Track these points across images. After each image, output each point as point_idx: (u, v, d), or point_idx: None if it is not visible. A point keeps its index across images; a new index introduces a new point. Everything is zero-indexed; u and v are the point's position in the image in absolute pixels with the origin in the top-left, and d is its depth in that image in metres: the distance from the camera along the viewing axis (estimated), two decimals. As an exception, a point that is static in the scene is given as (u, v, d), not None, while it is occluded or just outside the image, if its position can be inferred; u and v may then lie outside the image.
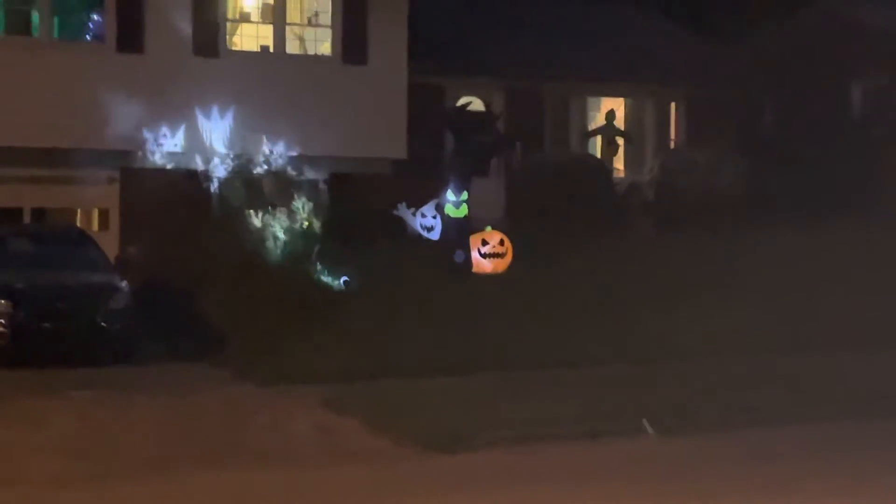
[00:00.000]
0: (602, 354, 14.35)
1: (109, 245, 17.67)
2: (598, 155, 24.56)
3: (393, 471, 9.61)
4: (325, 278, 16.84)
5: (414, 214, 19.26)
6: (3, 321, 14.37)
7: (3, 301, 14.47)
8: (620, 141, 24.86)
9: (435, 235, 19.16)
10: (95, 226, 19.32)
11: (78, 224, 19.33)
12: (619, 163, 25.08)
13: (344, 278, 16.78)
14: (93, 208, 19.43)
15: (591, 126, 25.25)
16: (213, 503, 8.40)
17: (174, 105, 18.79)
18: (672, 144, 25.30)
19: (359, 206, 18.52)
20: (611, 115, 24.74)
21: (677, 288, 16.54)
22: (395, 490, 8.97)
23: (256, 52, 20.05)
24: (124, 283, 15.45)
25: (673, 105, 25.43)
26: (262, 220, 17.56)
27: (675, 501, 8.60)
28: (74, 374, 13.57)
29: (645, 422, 10.89)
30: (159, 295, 15.99)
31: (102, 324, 14.75)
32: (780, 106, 25.01)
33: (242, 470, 9.43)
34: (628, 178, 24.20)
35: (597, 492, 8.88)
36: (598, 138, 25.07)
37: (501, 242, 17.89)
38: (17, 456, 9.81)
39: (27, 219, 18.60)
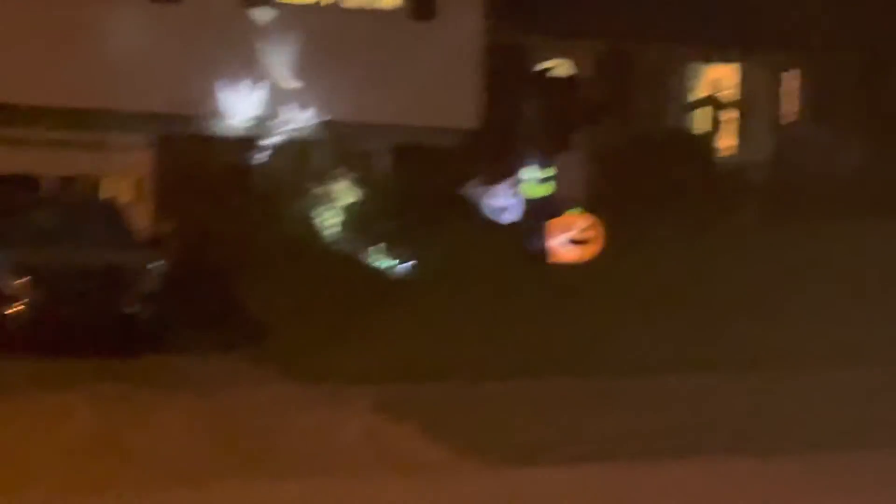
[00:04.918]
0: (699, 360, 14.08)
1: (142, 219, 17.75)
2: (701, 130, 24.28)
3: (454, 487, 9.46)
4: (383, 264, 16.78)
5: (487, 193, 19.14)
6: (20, 303, 14.46)
7: (20, 280, 14.55)
8: (727, 115, 24.55)
9: (511, 217, 19.02)
10: (126, 197, 19.44)
11: (107, 195, 19.46)
12: (724, 140, 24.76)
13: (404, 264, 16.70)
14: (124, 178, 19.54)
15: (694, 97, 24.96)
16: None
17: (216, 63, 18.80)
18: (788, 119, 24.92)
19: (423, 182, 18.41)
20: (717, 84, 24.43)
21: (787, 287, 16.22)
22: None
23: (311, 5, 20.00)
24: (156, 264, 15.47)
25: (790, 73, 25.02)
26: (314, 196, 17.53)
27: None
28: (97, 365, 13.61)
29: None
30: (195, 277, 16.02)
31: (131, 309, 14.80)
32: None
33: (280, 480, 9.34)
34: (735, 158, 23.89)
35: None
36: (702, 111, 24.77)
37: (588, 228, 17.69)
38: (29, 456, 9.82)
39: (50, 188, 18.75)
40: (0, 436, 10.40)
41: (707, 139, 23.50)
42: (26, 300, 14.46)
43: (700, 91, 25.03)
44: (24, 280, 14.56)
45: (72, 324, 14.48)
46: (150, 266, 15.33)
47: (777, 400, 12.33)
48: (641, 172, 20.52)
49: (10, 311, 14.40)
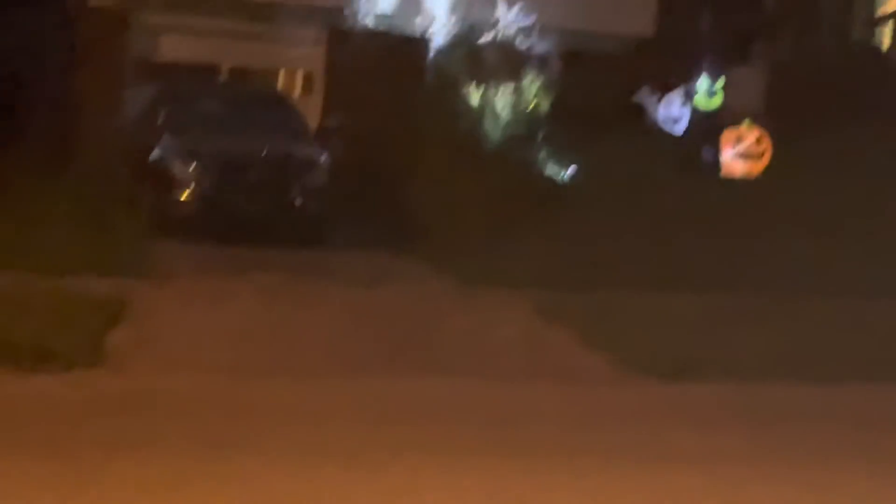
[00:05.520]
0: (868, 286, 13.63)
1: (311, 113, 17.87)
2: (887, 47, 23.40)
3: (604, 394, 9.38)
4: (549, 168, 16.62)
5: (658, 102, 18.77)
6: (189, 189, 14.72)
7: (189, 166, 14.79)
8: (915, 31, 23.61)
9: (680, 128, 18.66)
10: (297, 91, 19.57)
11: (279, 88, 19.62)
12: (911, 58, 23.82)
13: (570, 170, 16.52)
14: (296, 71, 19.65)
15: (882, 11, 24.01)
16: (395, 412, 8.35)
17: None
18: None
19: (594, 88, 18.10)
20: (906, -1, 23.49)
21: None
22: (604, 416, 8.74)
23: None
24: (324, 157, 15.57)
25: None
26: (483, 97, 17.41)
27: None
28: (261, 255, 13.81)
29: None
30: (361, 172, 16.09)
31: (298, 201, 14.94)
32: None
33: (432, 377, 9.38)
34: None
35: (843, 440, 8.45)
36: (888, 27, 23.85)
37: (759, 141, 17.26)
38: (192, 340, 10.05)
39: (224, 78, 18.96)
40: (165, 319, 10.65)
41: (891, 58, 22.61)
42: (196, 187, 14.70)
43: (888, 6, 24.06)
44: (195, 167, 14.79)
45: (239, 212, 14.69)
46: (317, 160, 15.43)
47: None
48: (819, 88, 19.85)
49: (181, 196, 14.67)
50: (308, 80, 19.38)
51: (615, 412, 8.95)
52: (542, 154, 16.80)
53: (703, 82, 18.21)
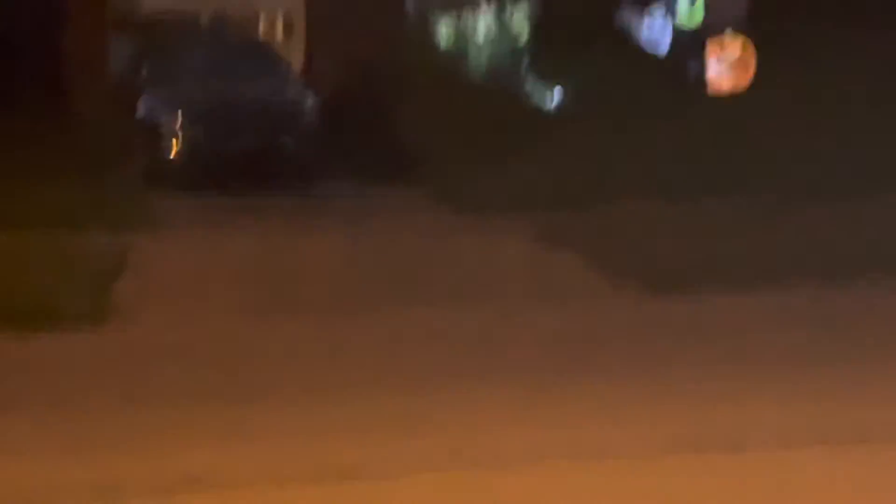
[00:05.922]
0: (865, 184, 13.58)
1: (295, 55, 17.74)
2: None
3: (608, 314, 9.39)
4: (535, 94, 16.55)
5: (640, 19, 18.63)
6: (175, 139, 14.65)
7: (175, 116, 14.71)
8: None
9: (665, 44, 18.52)
10: (279, 34, 19.41)
11: (260, 32, 19.46)
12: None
13: (556, 94, 16.45)
14: (276, 14, 19.47)
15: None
16: (401, 344, 8.38)
17: None
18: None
19: (574, 7, 17.96)
20: None
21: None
22: (609, 336, 8.75)
23: None
24: (310, 98, 15.49)
25: None
26: (466, 27, 17.30)
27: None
28: (256, 199, 13.75)
29: None
30: (348, 110, 16.02)
31: (286, 143, 14.89)
32: None
33: (436, 308, 9.37)
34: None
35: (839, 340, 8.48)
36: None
37: (744, 50, 17.15)
38: (190, 287, 10.05)
39: (204, 25, 18.79)
40: (166, 270, 10.63)
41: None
42: (184, 139, 14.63)
43: None
44: (181, 119, 14.72)
45: (229, 160, 14.61)
46: (302, 101, 15.36)
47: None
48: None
49: (170, 149, 14.60)
50: (289, 22, 19.21)
51: (620, 331, 8.96)
52: (529, 80, 16.72)
53: (683, -2, 18.04)
